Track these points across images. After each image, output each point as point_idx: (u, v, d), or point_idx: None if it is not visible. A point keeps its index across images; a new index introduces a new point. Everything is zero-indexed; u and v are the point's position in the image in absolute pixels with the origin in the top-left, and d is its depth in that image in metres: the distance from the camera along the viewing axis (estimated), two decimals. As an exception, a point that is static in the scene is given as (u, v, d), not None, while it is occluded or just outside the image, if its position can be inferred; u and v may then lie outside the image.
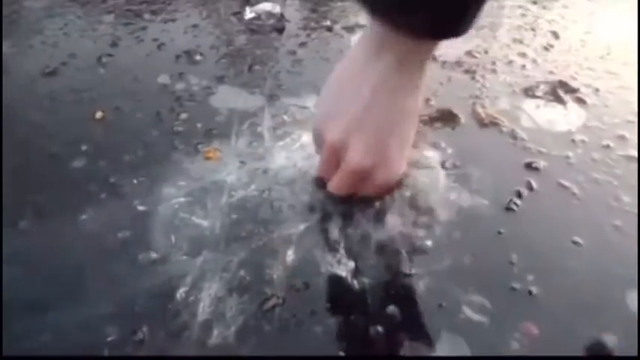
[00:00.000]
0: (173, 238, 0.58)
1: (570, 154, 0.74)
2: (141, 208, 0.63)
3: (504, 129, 0.78)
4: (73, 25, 1.07)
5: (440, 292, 0.55)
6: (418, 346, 0.50)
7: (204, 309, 0.52)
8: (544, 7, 1.17)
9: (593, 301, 0.55)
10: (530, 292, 0.55)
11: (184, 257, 0.57)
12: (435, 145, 0.73)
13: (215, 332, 0.50)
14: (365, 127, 0.56)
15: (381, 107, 0.56)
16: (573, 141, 0.76)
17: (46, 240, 0.60)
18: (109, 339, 0.50)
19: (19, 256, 0.58)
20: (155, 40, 1.00)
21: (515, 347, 0.51)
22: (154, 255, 0.57)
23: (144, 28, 1.04)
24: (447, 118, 0.79)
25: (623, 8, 1.16)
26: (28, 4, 1.14)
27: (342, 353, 0.50)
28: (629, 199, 0.66)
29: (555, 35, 1.04)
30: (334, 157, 0.59)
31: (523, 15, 1.14)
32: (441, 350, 0.50)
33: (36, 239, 0.60)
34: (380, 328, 0.52)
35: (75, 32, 1.04)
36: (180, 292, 0.53)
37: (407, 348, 0.50)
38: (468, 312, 0.53)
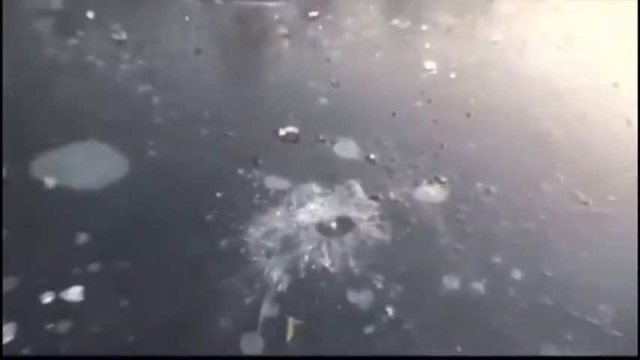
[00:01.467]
0: (262, 251, 1.46)
1: (438, 218, 1.63)
2: (245, 239, 1.51)
3: (405, 204, 1.67)
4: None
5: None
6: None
7: (274, 288, 1.39)
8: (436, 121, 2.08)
9: (422, 277, 1.44)
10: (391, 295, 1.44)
11: (264, 259, 1.45)
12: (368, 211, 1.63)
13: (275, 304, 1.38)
14: None
15: None
16: (436, 210, 1.66)
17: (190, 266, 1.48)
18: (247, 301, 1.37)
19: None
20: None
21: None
22: (254, 258, 1.45)
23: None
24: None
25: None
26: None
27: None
28: (448, 241, 1.56)
29: (441, 146, 1.95)
30: None
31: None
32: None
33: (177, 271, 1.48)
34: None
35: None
36: (263, 276, 1.41)
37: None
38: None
